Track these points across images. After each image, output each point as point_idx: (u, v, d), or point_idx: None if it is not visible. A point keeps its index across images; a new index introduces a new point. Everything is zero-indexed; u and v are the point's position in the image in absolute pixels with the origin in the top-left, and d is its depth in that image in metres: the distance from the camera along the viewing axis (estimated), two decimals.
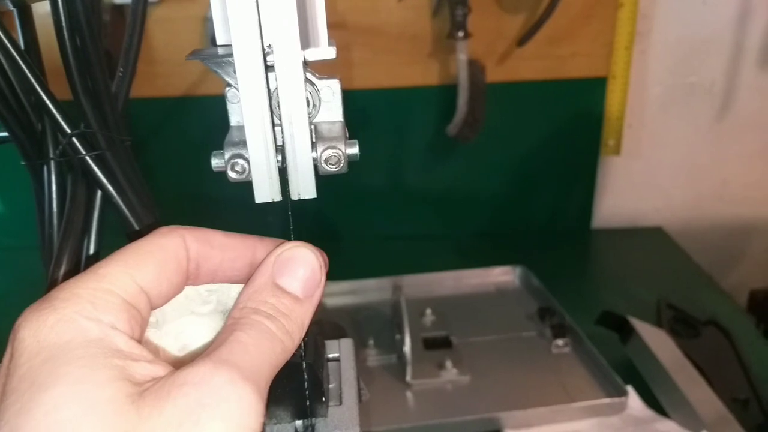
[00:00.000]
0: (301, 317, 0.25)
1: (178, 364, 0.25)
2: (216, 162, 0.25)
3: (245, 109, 0.23)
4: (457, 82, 0.89)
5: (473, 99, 0.89)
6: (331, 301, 0.86)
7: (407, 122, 0.98)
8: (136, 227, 0.34)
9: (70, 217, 0.32)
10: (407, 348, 0.70)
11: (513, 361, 0.73)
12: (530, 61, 0.93)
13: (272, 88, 0.24)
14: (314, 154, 0.25)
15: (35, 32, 0.33)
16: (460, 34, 0.86)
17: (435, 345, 0.76)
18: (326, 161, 0.25)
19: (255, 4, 0.22)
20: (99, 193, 0.34)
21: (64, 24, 0.30)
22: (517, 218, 1.07)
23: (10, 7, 0.30)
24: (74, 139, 0.32)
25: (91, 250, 0.35)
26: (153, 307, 0.25)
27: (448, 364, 0.71)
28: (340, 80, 0.27)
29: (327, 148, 0.25)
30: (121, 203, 0.34)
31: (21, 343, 0.21)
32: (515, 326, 0.80)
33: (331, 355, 0.33)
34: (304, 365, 0.28)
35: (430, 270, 0.89)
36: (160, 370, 0.21)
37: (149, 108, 0.92)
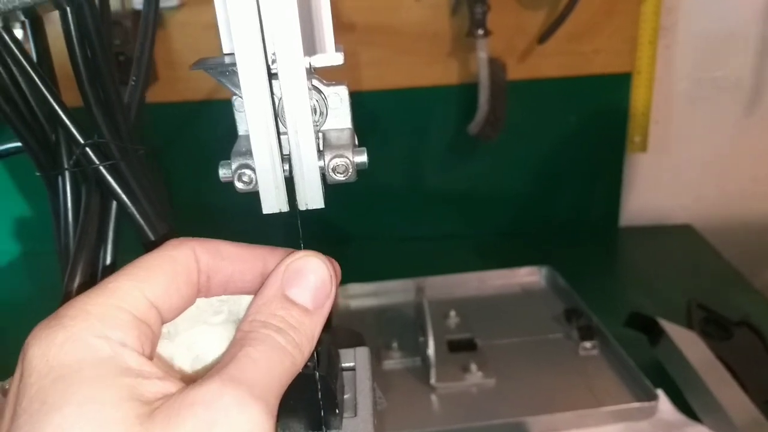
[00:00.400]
0: (311, 329, 0.25)
1: (190, 378, 0.25)
2: (223, 172, 0.25)
3: (249, 118, 0.23)
4: (478, 81, 0.88)
5: (494, 97, 0.88)
6: (355, 303, 0.86)
7: (427, 122, 0.97)
8: (151, 237, 0.34)
9: (84, 227, 0.32)
10: (431, 350, 0.69)
11: (539, 363, 0.72)
12: (552, 58, 0.91)
13: (279, 96, 0.23)
14: (321, 163, 0.25)
15: (47, 42, 0.33)
16: (480, 32, 0.85)
17: (459, 347, 0.75)
18: (334, 170, 0.25)
19: (257, 12, 0.21)
20: (114, 203, 0.34)
21: (74, 35, 0.30)
22: (541, 217, 1.05)
23: (22, 18, 0.30)
24: (88, 149, 0.32)
25: (108, 261, 0.35)
26: (164, 321, 0.25)
27: (473, 367, 0.70)
28: (348, 86, 0.26)
29: (334, 157, 0.24)
30: (135, 213, 0.34)
31: (30, 363, 0.21)
32: (541, 328, 0.78)
33: (346, 365, 0.33)
34: (317, 376, 0.27)
35: (454, 271, 0.88)
36: (170, 386, 0.21)
37: (171, 112, 0.93)
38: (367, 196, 0.99)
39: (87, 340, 0.21)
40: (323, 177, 0.25)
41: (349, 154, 0.25)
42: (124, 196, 0.33)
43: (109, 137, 0.33)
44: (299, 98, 0.23)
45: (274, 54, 0.23)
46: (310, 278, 0.25)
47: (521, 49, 0.91)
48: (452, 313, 0.81)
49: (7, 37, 0.29)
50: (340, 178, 0.25)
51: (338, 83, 0.26)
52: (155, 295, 0.23)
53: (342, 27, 0.86)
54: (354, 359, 0.33)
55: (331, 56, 0.26)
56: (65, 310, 0.22)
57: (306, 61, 0.25)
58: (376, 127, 0.95)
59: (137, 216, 0.34)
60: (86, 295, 0.22)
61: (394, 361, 0.74)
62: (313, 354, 0.28)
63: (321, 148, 0.25)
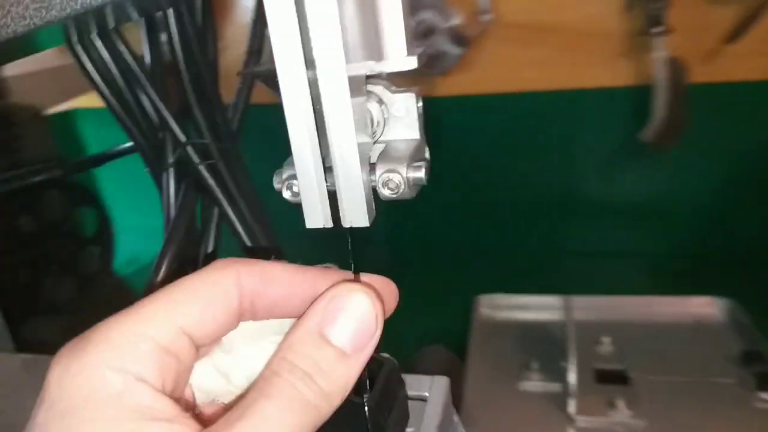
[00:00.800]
0: (346, 376, 0.22)
1: (238, 400, 0.24)
2: (275, 181, 0.24)
3: (290, 128, 0.21)
4: (653, 83, 0.79)
5: (673, 102, 0.78)
6: (500, 315, 0.82)
7: (593, 126, 0.90)
8: (246, 240, 0.35)
9: (175, 223, 0.33)
10: (572, 377, 0.64)
11: (702, 410, 0.63)
12: (743, 59, 0.79)
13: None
14: (373, 177, 0.22)
15: (160, 43, 0.35)
16: (658, 29, 0.76)
17: (608, 379, 0.68)
18: (384, 185, 0.22)
19: (296, 17, 0.20)
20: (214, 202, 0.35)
21: (175, 38, 0.31)
22: (724, 240, 0.92)
23: (137, 17, 0.32)
24: (189, 148, 0.33)
25: (209, 249, 0.36)
26: (199, 346, 0.24)
27: (622, 403, 0.63)
28: (418, 93, 0.24)
29: (386, 171, 0.22)
30: (231, 213, 0.34)
31: (48, 384, 0.21)
32: (711, 369, 0.68)
33: (415, 394, 0.30)
34: (365, 407, 0.25)
35: (614, 292, 0.80)
36: (180, 429, 0.20)
37: None
38: (520, 203, 0.94)
39: (101, 372, 0.21)
40: (375, 193, 0.23)
41: (402, 169, 0.22)
42: (220, 195, 0.34)
43: (209, 138, 0.33)
44: (341, 108, 0.21)
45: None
46: (351, 317, 0.23)
47: (705, 49, 0.80)
48: (605, 340, 0.74)
49: (118, 40, 0.31)
50: (389, 194, 0.22)
51: (406, 90, 0.24)
52: (188, 322, 0.23)
53: (503, 25, 0.83)
54: (429, 389, 0.30)
55: (401, 61, 0.24)
56: (91, 334, 0.22)
57: (367, 67, 0.23)
58: (536, 129, 0.90)
59: (232, 216, 0.34)
60: (116, 318, 0.22)
61: (532, 384, 0.69)
62: (364, 376, 0.26)
63: (374, 161, 0.23)
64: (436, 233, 1.02)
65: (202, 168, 0.33)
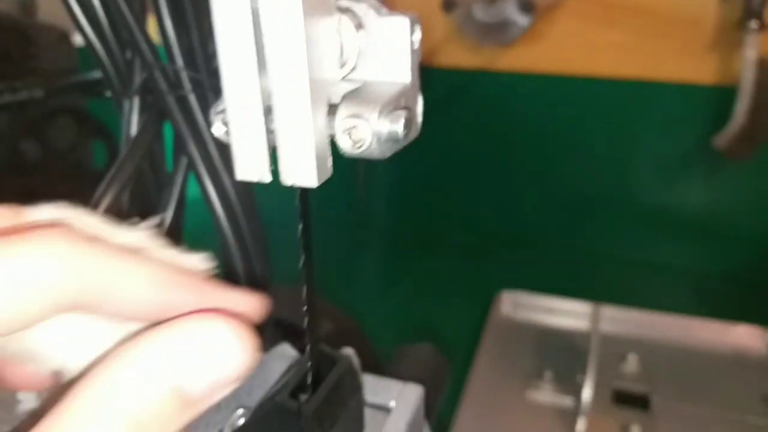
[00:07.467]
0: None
1: None
2: (211, 111, 0.18)
3: (220, 47, 0.16)
4: (738, 85, 0.70)
5: (757, 108, 0.69)
6: (521, 315, 0.76)
7: (664, 124, 0.81)
8: (211, 192, 0.29)
9: (124, 160, 0.28)
10: (586, 394, 0.57)
11: None
12: None
13: None
14: (332, 123, 0.17)
15: None
16: (754, 24, 0.66)
17: (627, 400, 0.62)
18: (345, 134, 0.16)
19: None
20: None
21: None
22: None
23: None
24: (158, 73, 0.28)
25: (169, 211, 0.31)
26: None
27: (637, 429, 0.57)
28: (416, 20, 0.18)
29: (349, 116, 0.16)
30: (198, 160, 0.29)
31: None
32: (742, 406, 0.61)
33: (379, 401, 0.25)
34: (300, 413, 0.20)
35: (652, 308, 0.73)
36: None
37: None
38: (564, 197, 0.86)
39: None
40: (332, 143, 0.17)
41: (372, 116, 0.16)
42: (187, 136, 0.29)
43: (181, 65, 0.28)
44: (287, 24, 0.15)
45: None
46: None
47: None
48: (631, 358, 0.67)
49: None
50: (351, 148, 0.16)
51: (399, 14, 0.18)
52: None
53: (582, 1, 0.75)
54: (397, 397, 0.25)
55: None
56: None
57: None
58: (599, 119, 0.81)
59: (199, 164, 0.29)
60: None
61: (541, 394, 0.63)
62: (305, 377, 0.21)
63: (337, 101, 0.17)
64: (461, 218, 0.95)
65: (170, 100, 0.28)
